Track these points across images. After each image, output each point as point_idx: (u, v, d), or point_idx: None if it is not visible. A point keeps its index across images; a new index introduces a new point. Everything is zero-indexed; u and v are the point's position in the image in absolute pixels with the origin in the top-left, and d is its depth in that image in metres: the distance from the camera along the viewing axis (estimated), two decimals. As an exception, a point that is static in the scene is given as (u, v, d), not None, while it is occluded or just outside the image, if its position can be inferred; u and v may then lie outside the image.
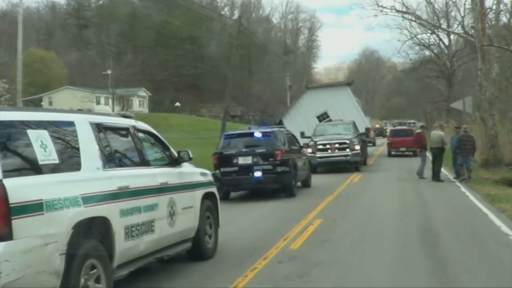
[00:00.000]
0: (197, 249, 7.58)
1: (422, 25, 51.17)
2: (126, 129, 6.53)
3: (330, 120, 28.11)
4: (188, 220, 7.27)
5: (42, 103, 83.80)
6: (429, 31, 52.48)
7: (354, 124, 25.27)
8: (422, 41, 54.64)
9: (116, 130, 6.35)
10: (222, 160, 14.53)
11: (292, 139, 16.47)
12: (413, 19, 48.26)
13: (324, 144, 22.55)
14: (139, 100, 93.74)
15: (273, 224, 10.74)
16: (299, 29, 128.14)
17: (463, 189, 16.00)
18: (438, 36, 53.82)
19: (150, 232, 6.20)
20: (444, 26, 52.21)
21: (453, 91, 51.78)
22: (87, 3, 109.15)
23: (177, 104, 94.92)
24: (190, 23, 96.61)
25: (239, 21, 28.11)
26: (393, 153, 32.43)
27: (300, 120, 29.22)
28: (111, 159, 5.91)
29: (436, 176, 18.24)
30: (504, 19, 34.34)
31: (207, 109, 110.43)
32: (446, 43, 54.32)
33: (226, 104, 29.08)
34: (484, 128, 24.14)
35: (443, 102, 57.04)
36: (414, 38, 52.66)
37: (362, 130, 26.60)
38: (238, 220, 11.16)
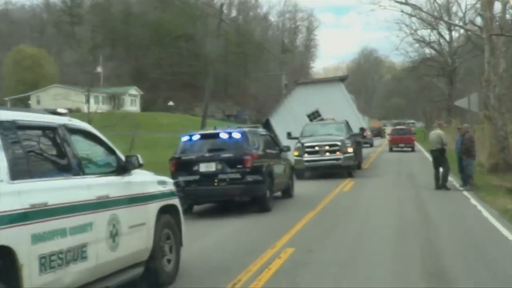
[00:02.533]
0: (151, 274, 6.25)
1: (422, 19, 49.05)
2: (53, 128, 5.23)
3: (322, 119, 25.41)
4: (138, 241, 5.98)
5: (29, 102, 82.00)
6: (429, 26, 50.31)
7: (347, 123, 22.63)
8: (422, 38, 52.51)
9: (37, 130, 5.07)
10: (181, 167, 11.89)
11: (269, 141, 13.83)
12: (413, 13, 46.02)
13: (312, 146, 19.88)
14: (131, 99, 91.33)
15: (227, 256, 8.08)
16: (297, 27, 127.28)
17: (473, 201, 13.38)
18: (438, 32, 51.50)
19: (80, 260, 4.97)
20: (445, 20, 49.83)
21: (454, 89, 49.46)
22: (80, 0, 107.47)
23: (171, 103, 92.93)
24: (185, 21, 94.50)
25: (220, 9, 25.46)
26: (394, 148, 36.91)
27: (289, 120, 26.57)
28: (24, 167, 4.61)
29: (442, 184, 15.60)
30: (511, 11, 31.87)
31: (202, 108, 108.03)
32: (447, 38, 51.96)
33: (206, 102, 26.36)
34: (493, 128, 21.61)
35: (444, 100, 54.85)
36: (414, 34, 50.51)
37: (356, 130, 23.99)
38: (187, 247, 8.53)
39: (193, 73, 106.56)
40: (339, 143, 19.73)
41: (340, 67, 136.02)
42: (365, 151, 36.93)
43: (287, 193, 14.63)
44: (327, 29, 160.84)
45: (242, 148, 11.75)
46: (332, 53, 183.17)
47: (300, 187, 17.14)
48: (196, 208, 12.88)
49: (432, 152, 16.44)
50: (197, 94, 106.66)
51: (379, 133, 68.37)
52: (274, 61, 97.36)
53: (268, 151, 12.99)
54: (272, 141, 14.10)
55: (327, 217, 11.40)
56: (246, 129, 12.61)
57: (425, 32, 53.90)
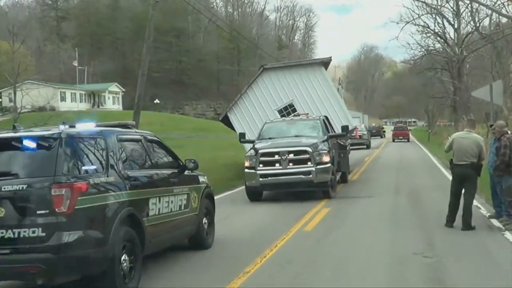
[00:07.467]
0: None
1: (426, 3, 43.39)
2: None
3: (298, 116, 18.92)
4: None
5: (0, 100, 76.82)
6: (434, 11, 44.37)
7: (325, 120, 16.28)
8: (427, 25, 46.66)
9: None
10: None
11: (150, 153, 7.37)
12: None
13: (270, 154, 13.50)
14: (113, 97, 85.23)
15: None
16: (295, 24, 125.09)
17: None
18: (444, 16, 45.42)
19: None
20: (449, 13, 43.99)
21: (463, 82, 43.41)
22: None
23: (156, 101, 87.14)
24: (174, 14, 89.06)
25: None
26: (396, 140, 52.31)
27: (254, 116, 20.26)
28: None
29: (465, 221, 9.31)
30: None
31: (192, 106, 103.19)
32: (453, 27, 45.83)
33: (139, 91, 19.95)
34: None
35: (449, 96, 49.16)
36: (417, 19, 44.58)
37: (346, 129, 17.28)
38: None
39: (182, 70, 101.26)
40: (309, 149, 13.38)
41: (340, 66, 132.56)
42: (360, 153, 30.89)
43: (198, 242, 8.25)
44: (327, 27, 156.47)
45: (51, 170, 5.40)
46: (332, 51, 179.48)
47: (241, 217, 10.92)
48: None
49: (459, 168, 9.46)
50: (187, 91, 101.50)
51: (378, 132, 62.04)
52: (270, 57, 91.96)
53: (141, 173, 6.61)
54: (163, 151, 7.67)
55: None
56: (85, 129, 6.09)
57: (428, 22, 48.49)
